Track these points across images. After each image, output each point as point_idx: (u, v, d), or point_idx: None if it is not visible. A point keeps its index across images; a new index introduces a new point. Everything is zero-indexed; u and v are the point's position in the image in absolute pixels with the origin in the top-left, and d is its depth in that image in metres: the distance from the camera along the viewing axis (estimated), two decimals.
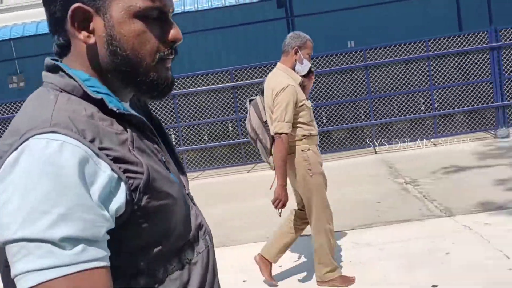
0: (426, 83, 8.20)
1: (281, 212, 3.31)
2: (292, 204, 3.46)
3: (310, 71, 3.38)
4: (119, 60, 0.85)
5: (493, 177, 5.57)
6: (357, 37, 10.70)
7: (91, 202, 0.72)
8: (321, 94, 8.23)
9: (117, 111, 0.83)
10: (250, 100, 3.55)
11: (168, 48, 0.88)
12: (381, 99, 8.30)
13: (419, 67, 8.16)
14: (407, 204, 5.06)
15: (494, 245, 3.69)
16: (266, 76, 3.61)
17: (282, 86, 3.13)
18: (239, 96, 8.30)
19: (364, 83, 8.22)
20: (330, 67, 8.18)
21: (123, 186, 0.77)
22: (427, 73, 8.16)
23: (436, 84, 8.20)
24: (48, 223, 0.68)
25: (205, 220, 0.99)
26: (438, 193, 5.29)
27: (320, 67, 8.11)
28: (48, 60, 0.87)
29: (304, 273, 3.65)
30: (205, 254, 0.94)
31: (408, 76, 8.18)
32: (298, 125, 3.22)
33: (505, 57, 8.11)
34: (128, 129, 0.83)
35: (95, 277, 0.71)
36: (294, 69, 3.27)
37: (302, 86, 3.31)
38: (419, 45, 8.11)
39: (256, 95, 3.70)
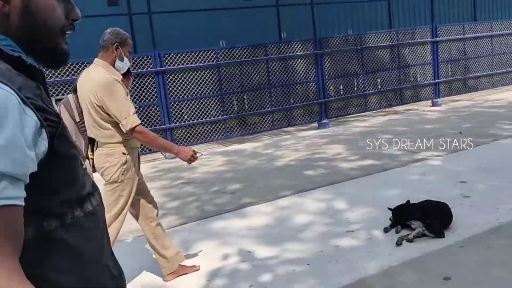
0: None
1: (198, 156, 3.18)
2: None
3: (128, 71, 3.25)
4: (30, 29, 0.94)
5: None
6: None
7: (23, 143, 0.79)
8: None
9: (36, 66, 0.93)
10: (58, 100, 2.95)
11: (70, 24, 1.02)
12: None
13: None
14: None
15: None
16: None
17: (108, 82, 2.95)
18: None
19: None
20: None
21: (44, 133, 0.87)
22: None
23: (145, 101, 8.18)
24: None
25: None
26: None
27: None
28: None
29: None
30: (99, 207, 1.08)
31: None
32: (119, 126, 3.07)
33: (170, 81, 8.67)
34: (40, 84, 0.92)
35: (15, 214, 0.79)
36: (114, 65, 3.11)
37: None
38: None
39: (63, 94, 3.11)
